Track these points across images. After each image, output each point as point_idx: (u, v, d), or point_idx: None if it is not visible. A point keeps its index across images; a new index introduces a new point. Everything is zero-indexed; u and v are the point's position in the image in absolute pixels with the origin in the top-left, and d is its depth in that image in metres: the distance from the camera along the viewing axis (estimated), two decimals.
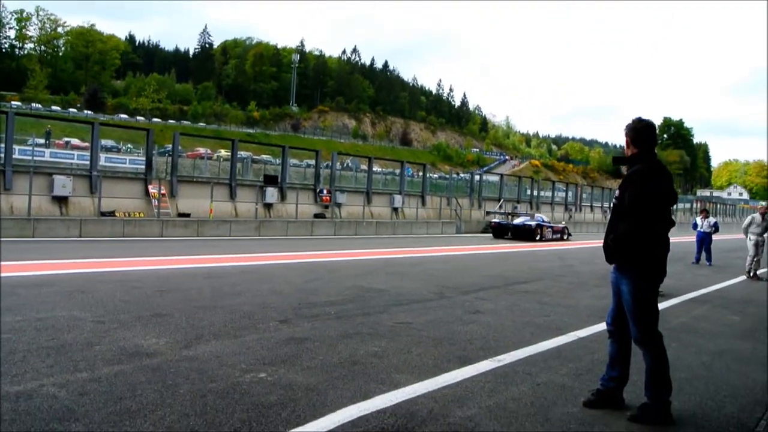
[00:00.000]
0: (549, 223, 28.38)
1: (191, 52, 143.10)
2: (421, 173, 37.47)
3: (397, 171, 35.49)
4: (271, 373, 4.27)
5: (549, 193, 47.44)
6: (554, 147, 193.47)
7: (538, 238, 25.57)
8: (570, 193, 49.44)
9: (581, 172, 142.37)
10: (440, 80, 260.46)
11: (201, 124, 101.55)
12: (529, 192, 43.74)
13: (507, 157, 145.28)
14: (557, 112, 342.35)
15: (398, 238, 23.61)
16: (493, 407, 3.80)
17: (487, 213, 34.37)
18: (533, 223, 26.82)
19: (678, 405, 3.90)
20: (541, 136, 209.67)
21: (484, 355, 5.18)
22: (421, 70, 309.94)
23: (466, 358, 5.05)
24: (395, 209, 30.54)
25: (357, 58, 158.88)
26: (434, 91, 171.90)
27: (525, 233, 25.76)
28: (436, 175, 50.42)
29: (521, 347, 5.56)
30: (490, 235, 28.02)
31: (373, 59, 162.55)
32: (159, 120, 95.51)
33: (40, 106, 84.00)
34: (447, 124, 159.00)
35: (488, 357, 5.10)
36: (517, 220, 27.92)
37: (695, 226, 18.05)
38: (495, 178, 48.96)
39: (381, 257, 14.92)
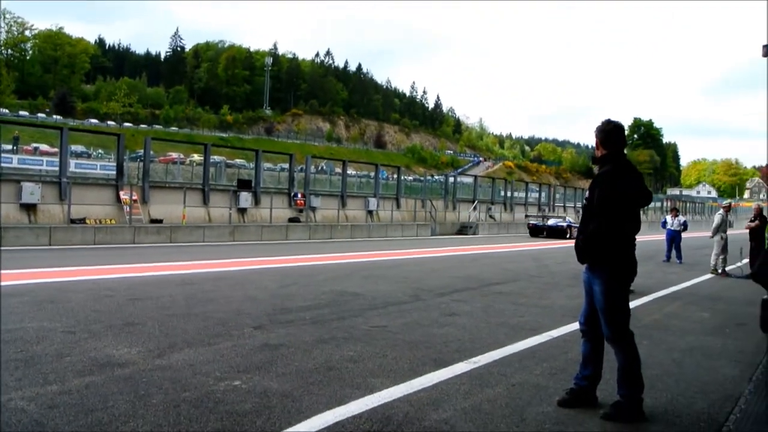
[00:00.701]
0: (575, 223, 30.58)
1: (162, 56, 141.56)
2: (395, 176, 37.56)
3: (372, 174, 35.51)
4: (246, 380, 4.23)
5: (523, 194, 47.91)
6: (527, 148, 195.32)
7: (567, 236, 29.54)
8: (543, 194, 49.98)
9: (554, 173, 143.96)
10: (414, 82, 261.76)
11: (173, 128, 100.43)
12: (503, 193, 44.08)
13: (481, 159, 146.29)
14: (530, 113, 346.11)
15: (373, 241, 23.60)
16: (468, 409, 3.82)
17: (526, 216, 39.40)
18: (564, 224, 32.06)
19: (650, 402, 3.96)
20: (514, 137, 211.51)
21: (460, 357, 5.20)
22: (394, 73, 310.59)
23: (442, 360, 5.07)
24: (370, 212, 30.54)
25: (330, 61, 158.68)
26: (408, 93, 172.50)
27: (558, 232, 30.74)
28: (410, 178, 50.60)
29: (496, 348, 5.60)
30: (465, 236, 28.81)
31: (346, 62, 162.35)
32: (130, 125, 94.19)
33: (7, 111, 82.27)
34: (421, 126, 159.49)
35: (463, 359, 5.12)
36: (551, 222, 33.20)
37: (664, 224, 18.37)
38: (469, 180, 49.29)
39: (356, 261, 14.89)
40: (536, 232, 32.08)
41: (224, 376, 4.32)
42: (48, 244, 15.73)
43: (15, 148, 36.46)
